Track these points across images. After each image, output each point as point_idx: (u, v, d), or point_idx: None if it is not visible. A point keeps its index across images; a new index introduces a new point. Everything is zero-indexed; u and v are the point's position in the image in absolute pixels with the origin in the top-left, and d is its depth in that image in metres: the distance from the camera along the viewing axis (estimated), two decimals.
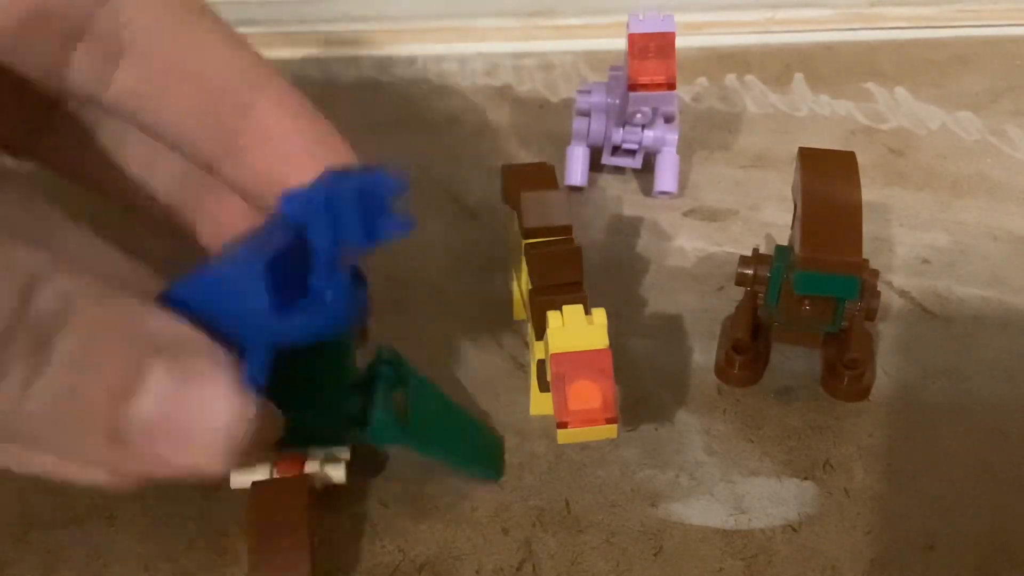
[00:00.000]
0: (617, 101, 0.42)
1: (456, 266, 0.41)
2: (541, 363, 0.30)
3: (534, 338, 0.31)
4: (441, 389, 0.34)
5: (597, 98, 0.43)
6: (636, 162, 0.44)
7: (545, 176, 0.34)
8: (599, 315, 0.29)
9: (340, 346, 0.31)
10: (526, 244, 0.31)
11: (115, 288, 0.21)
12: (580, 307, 0.29)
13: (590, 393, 0.27)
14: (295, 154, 0.25)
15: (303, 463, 0.31)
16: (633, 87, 0.38)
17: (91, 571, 0.31)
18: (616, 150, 0.44)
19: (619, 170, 0.45)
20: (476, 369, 0.37)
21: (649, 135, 0.43)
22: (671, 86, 0.38)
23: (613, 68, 0.43)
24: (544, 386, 0.30)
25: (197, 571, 0.31)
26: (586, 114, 0.43)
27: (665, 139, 0.43)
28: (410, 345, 0.36)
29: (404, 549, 0.31)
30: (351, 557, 0.31)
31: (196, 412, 0.21)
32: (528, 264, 0.31)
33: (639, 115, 0.41)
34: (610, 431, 0.28)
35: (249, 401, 0.22)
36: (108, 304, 0.21)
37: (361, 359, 0.35)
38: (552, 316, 0.29)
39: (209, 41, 0.25)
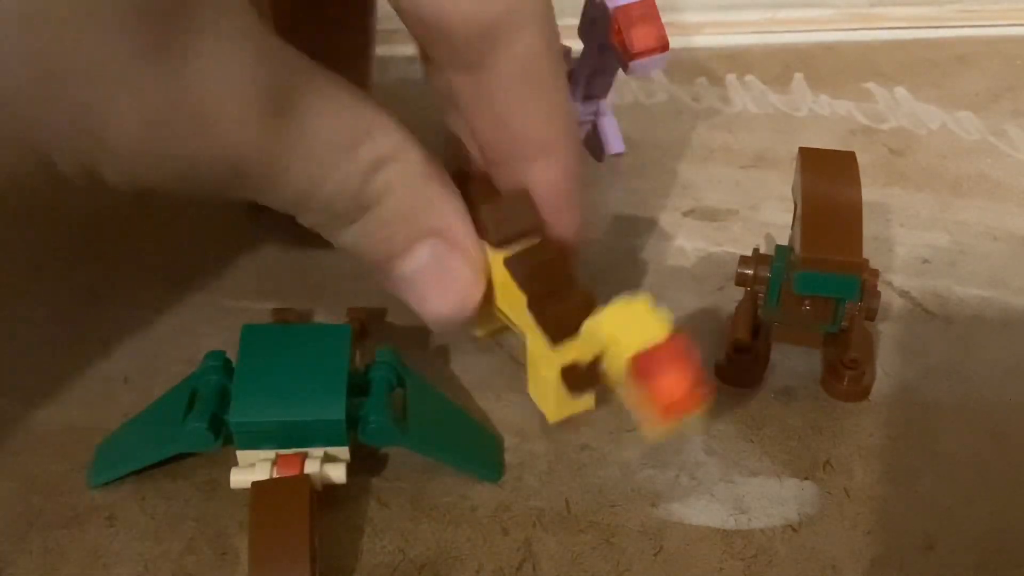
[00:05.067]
0: (583, 79, 0.43)
1: None
2: (570, 368, 0.29)
3: (537, 346, 0.30)
4: (439, 389, 0.34)
5: None
6: (580, 134, 0.45)
7: (485, 182, 0.32)
8: (643, 304, 0.28)
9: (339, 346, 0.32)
10: (506, 260, 0.30)
11: (429, 179, 0.29)
12: (625, 303, 0.28)
13: (677, 382, 0.27)
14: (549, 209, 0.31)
15: (303, 463, 0.31)
16: (631, 57, 0.39)
17: (91, 571, 0.31)
18: None
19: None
20: (476, 369, 0.37)
21: (603, 104, 0.44)
22: (664, 48, 0.39)
23: None
24: (580, 385, 0.29)
25: (197, 571, 0.31)
26: None
27: (606, 107, 0.45)
28: (409, 345, 0.36)
29: (404, 549, 0.31)
30: (351, 557, 0.31)
31: (444, 280, 0.30)
32: (517, 282, 0.30)
33: (602, 86, 0.43)
34: (702, 408, 0.27)
35: (482, 280, 0.30)
36: (416, 195, 0.29)
37: (361, 360, 0.36)
38: (605, 319, 0.28)
39: (545, 99, 0.30)
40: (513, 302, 0.30)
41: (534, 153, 0.31)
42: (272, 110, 0.25)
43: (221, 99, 0.24)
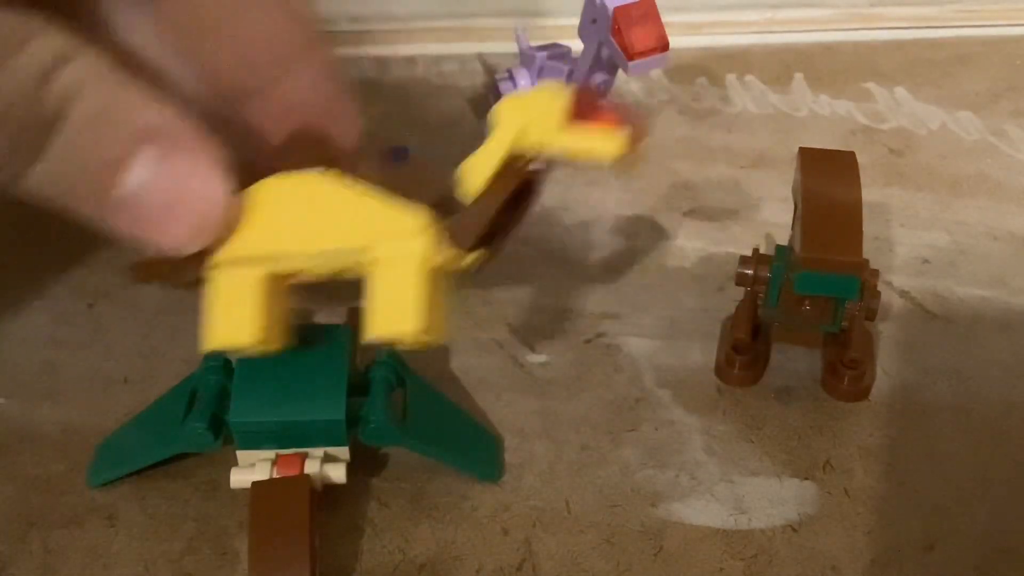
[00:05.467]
0: (583, 78, 0.43)
1: None
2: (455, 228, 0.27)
3: (391, 248, 0.27)
4: (439, 389, 0.34)
5: (524, 81, 0.45)
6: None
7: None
8: (523, 97, 0.27)
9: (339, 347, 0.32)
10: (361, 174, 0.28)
11: (124, 78, 0.24)
12: (511, 104, 0.27)
13: (611, 109, 0.26)
14: (300, 126, 0.28)
15: (303, 463, 0.31)
16: (631, 57, 0.39)
17: (91, 571, 0.31)
18: None
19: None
20: (476, 369, 0.37)
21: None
22: (664, 48, 0.39)
23: (540, 48, 0.44)
24: (469, 238, 0.27)
25: (197, 571, 0.31)
26: None
27: None
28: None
29: (404, 549, 0.31)
30: (351, 557, 0.31)
31: (177, 189, 0.25)
32: (371, 178, 0.27)
33: (602, 85, 0.43)
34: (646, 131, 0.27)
35: (225, 184, 0.25)
36: (110, 93, 0.24)
37: (361, 360, 0.36)
38: (505, 120, 0.26)
39: (266, 2, 0.27)
40: (335, 226, 0.27)
41: (287, 59, 0.27)
42: None
43: None
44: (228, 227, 0.26)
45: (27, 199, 0.25)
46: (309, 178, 0.27)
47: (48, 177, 0.24)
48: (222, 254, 0.27)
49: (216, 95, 0.28)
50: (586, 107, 0.26)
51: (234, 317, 0.27)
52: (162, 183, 0.24)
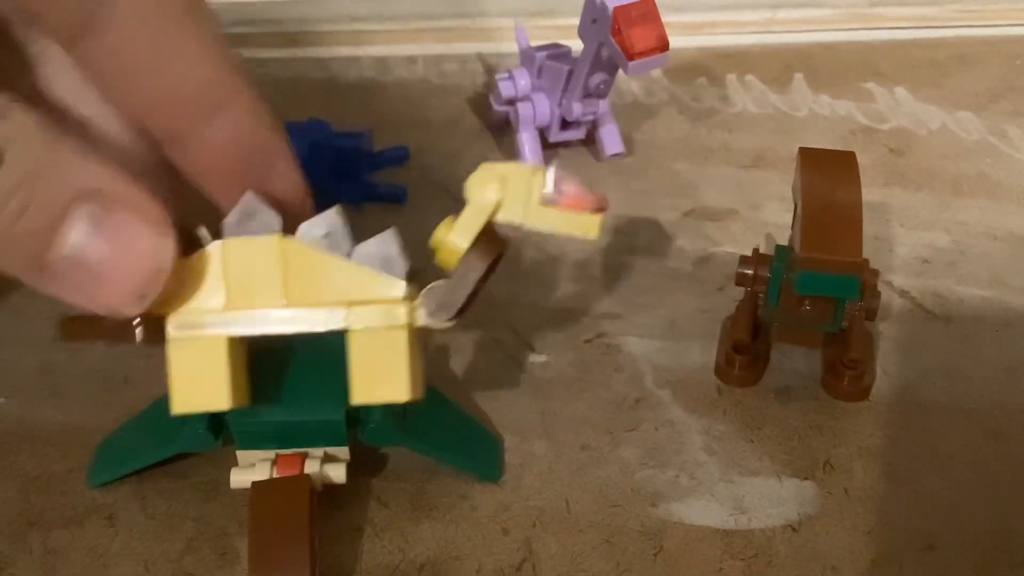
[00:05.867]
0: (583, 78, 0.43)
1: None
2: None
3: (378, 315, 0.27)
4: (440, 389, 0.34)
5: (524, 81, 0.45)
6: (580, 133, 0.46)
7: None
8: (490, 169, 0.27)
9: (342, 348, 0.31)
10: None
11: (55, 135, 0.23)
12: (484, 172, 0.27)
13: (585, 191, 0.28)
14: (234, 172, 0.27)
15: (303, 463, 0.31)
16: (631, 57, 0.39)
17: (91, 571, 0.31)
18: (564, 125, 0.45)
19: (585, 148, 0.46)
20: (476, 369, 0.37)
21: (603, 104, 0.44)
22: (664, 48, 0.39)
23: (540, 48, 0.45)
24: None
25: (197, 571, 0.31)
26: (512, 101, 0.45)
27: (606, 107, 0.45)
28: None
29: (404, 549, 0.31)
30: (351, 557, 0.31)
31: (116, 252, 0.24)
32: None
33: (602, 85, 0.43)
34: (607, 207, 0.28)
35: (168, 244, 0.25)
36: (41, 152, 0.23)
37: None
38: (480, 190, 0.27)
39: (188, 45, 0.26)
40: (308, 290, 0.27)
41: (213, 101, 0.26)
42: None
43: None
44: (174, 287, 0.26)
45: None
46: (272, 241, 0.27)
47: None
48: (185, 316, 0.27)
49: (144, 141, 0.28)
50: (558, 189, 0.27)
51: (204, 381, 0.27)
52: (100, 246, 0.24)
